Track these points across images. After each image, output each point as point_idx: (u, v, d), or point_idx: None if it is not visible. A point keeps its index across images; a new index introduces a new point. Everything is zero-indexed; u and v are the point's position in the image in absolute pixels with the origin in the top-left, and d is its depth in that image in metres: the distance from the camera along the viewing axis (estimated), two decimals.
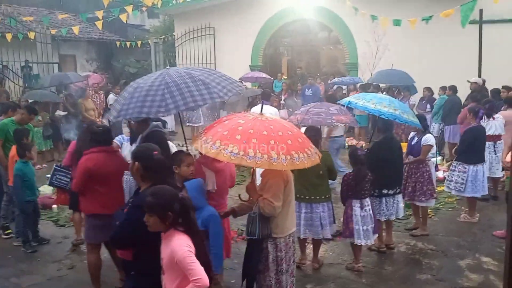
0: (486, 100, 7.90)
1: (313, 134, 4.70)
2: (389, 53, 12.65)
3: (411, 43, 12.98)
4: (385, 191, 5.20)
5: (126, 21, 25.12)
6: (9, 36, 14.70)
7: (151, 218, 2.55)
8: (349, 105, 5.45)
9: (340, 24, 14.34)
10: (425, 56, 12.90)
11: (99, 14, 14.57)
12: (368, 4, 11.93)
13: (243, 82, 13.50)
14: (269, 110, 7.39)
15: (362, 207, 4.81)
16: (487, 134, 6.73)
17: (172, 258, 2.46)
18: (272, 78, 14.18)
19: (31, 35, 14.87)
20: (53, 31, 16.07)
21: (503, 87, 9.26)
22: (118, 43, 20.45)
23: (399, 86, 11.54)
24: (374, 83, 11.29)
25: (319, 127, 5.44)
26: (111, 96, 11.94)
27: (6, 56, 15.24)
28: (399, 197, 5.40)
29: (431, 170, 5.77)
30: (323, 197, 4.81)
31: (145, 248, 2.79)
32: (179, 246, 2.46)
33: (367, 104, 5.04)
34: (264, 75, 13.71)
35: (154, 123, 4.53)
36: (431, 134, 6.01)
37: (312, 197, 4.77)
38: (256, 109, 7.44)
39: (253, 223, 3.45)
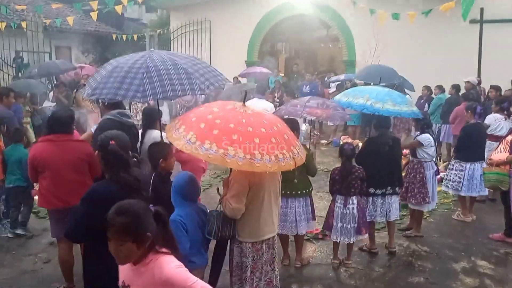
0: (503, 99, 7.60)
1: (289, 126, 4.51)
2: (388, 51, 12.45)
3: (410, 41, 12.81)
4: (371, 190, 4.91)
5: (122, 13, 24.98)
6: (2, 25, 14.49)
7: (123, 246, 1.89)
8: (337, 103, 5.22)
9: (339, 21, 14.12)
10: (425, 55, 12.71)
11: (94, 4, 14.32)
12: None
13: (238, 77, 13.33)
14: (264, 105, 7.08)
15: (345, 205, 4.59)
16: (496, 134, 6.58)
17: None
18: (272, 72, 13.96)
19: (24, 24, 14.59)
20: (48, 21, 15.77)
21: (491, 86, 9.06)
22: (114, 36, 20.24)
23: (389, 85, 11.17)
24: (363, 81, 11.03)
25: (297, 119, 5.07)
26: None
27: None
28: (392, 199, 5.03)
29: (425, 173, 5.50)
30: (299, 192, 4.56)
31: (96, 245, 2.53)
32: (174, 271, 1.92)
33: (350, 100, 4.86)
34: (264, 70, 13.37)
35: (113, 111, 4.30)
36: (430, 134, 5.63)
37: (288, 192, 4.49)
38: (252, 102, 7.17)
39: (211, 222, 3.22)
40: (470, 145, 6.06)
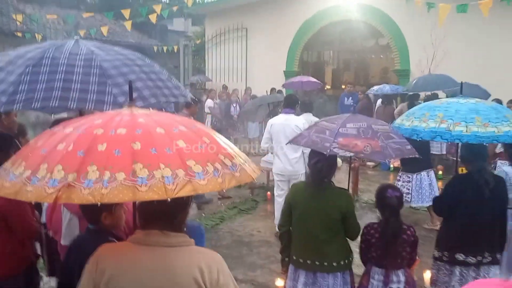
0: None
1: (315, 162, 2.98)
2: (449, 60, 10.61)
3: (477, 47, 10.81)
4: (460, 257, 3.29)
5: (166, 26, 24.62)
6: (38, 37, 14.24)
7: None
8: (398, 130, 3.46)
9: (390, 25, 12.36)
10: (496, 65, 10.63)
11: (125, 13, 13.62)
12: None
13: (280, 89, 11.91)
14: (295, 122, 5.52)
15: (387, 283, 2.98)
16: None
17: None
18: (321, 83, 12.30)
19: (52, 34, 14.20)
20: (82, 32, 15.31)
21: None
22: (155, 48, 19.80)
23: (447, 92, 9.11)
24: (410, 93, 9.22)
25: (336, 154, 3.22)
26: (209, 102, 11.54)
27: None
28: (491, 271, 3.32)
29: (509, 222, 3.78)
30: (334, 263, 3.03)
31: None
32: None
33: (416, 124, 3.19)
34: (312, 79, 11.53)
35: None
36: None
37: (317, 263, 3.02)
38: (277, 119, 5.67)
39: None
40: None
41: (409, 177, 6.02)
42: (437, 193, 5.92)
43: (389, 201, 2.95)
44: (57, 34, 15.11)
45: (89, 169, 1.40)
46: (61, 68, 2.31)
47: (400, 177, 6.18)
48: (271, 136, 5.62)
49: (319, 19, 13.31)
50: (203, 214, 6.54)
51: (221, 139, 1.77)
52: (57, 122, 3.24)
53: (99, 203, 1.37)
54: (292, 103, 5.86)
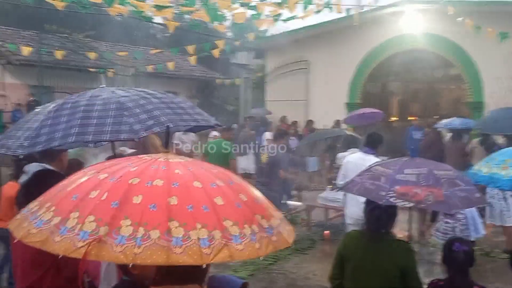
0: None
1: (372, 209, 2.67)
2: None
3: None
4: None
5: (228, 59, 25.46)
6: (110, 73, 15.16)
7: None
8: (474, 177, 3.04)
9: (461, 55, 11.71)
10: None
11: (190, 49, 14.14)
12: (496, 22, 9.12)
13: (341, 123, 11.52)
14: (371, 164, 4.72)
15: None
16: None
17: None
18: (382, 112, 11.62)
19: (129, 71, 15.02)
20: (149, 67, 16.10)
21: None
22: (218, 81, 20.41)
23: None
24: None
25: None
26: (267, 134, 11.56)
27: None
28: None
29: None
30: None
31: None
32: None
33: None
34: (372, 109, 11.00)
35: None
36: None
37: None
38: (353, 157, 5.27)
39: None
40: None
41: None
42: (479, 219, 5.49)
43: (455, 256, 2.56)
44: (127, 69, 16.01)
45: (122, 223, 1.32)
46: (81, 109, 2.48)
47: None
48: (346, 173, 5.12)
49: (384, 50, 12.95)
50: None
51: (258, 195, 1.64)
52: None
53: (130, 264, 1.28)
54: (373, 142, 5.25)
